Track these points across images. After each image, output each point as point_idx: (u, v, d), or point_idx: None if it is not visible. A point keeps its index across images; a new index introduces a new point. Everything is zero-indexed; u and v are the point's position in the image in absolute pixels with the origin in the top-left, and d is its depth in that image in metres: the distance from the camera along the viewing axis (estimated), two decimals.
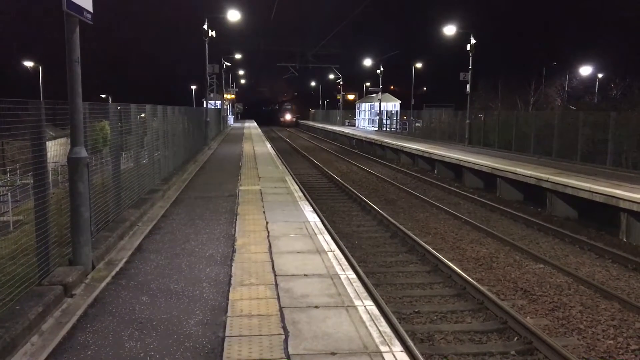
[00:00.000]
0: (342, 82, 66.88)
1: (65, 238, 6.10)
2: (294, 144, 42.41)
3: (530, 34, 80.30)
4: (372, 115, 57.04)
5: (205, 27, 28.86)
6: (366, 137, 38.11)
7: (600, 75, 45.23)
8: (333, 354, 4.05)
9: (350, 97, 71.56)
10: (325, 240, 7.50)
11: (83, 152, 6.01)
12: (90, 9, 6.20)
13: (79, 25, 5.96)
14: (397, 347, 4.22)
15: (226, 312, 4.89)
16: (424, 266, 9.93)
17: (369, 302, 5.15)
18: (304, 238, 7.60)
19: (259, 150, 23.37)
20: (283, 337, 4.33)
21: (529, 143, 22.89)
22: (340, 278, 5.83)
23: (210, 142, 28.13)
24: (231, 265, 6.27)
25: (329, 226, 11.76)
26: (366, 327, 4.55)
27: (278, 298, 5.21)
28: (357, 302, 5.12)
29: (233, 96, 66.24)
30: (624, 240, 12.06)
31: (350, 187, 18.27)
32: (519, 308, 7.90)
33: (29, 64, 46.86)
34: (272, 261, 6.44)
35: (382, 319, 4.76)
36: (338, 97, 67.97)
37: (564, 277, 9.35)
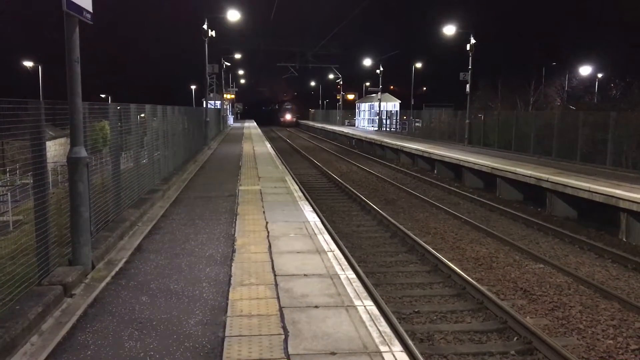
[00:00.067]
0: (342, 82, 66.90)
1: (65, 238, 6.10)
2: (293, 143, 42.42)
3: (530, 34, 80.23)
4: (372, 115, 57.03)
5: (205, 27, 28.85)
6: (366, 137, 38.11)
7: (600, 75, 45.22)
8: (333, 353, 4.05)
9: (350, 97, 71.54)
10: (325, 240, 7.50)
11: (83, 152, 6.01)
12: (90, 8, 6.20)
13: (78, 25, 5.96)
14: (397, 347, 4.22)
15: (226, 312, 4.89)
16: (423, 266, 9.94)
17: (368, 302, 5.15)
18: (303, 238, 7.60)
19: (258, 150, 23.37)
20: (283, 337, 4.33)
21: (529, 143, 22.89)
22: (340, 278, 5.83)
23: (210, 142, 28.13)
24: (231, 265, 6.27)
25: (328, 226, 11.76)
26: (366, 327, 4.55)
27: (278, 298, 5.21)
28: (357, 302, 5.12)
29: (233, 96, 66.23)
30: (624, 240, 12.07)
31: (350, 187, 18.27)
32: (519, 308, 7.91)
33: (28, 63, 46.89)
34: (272, 261, 6.44)
35: (381, 319, 4.76)
36: (338, 97, 67.97)
37: (564, 277, 9.35)
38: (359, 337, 4.35)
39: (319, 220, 8.96)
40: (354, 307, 5.00)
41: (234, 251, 6.87)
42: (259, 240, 7.42)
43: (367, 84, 61.88)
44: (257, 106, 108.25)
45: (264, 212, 9.43)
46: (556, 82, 43.62)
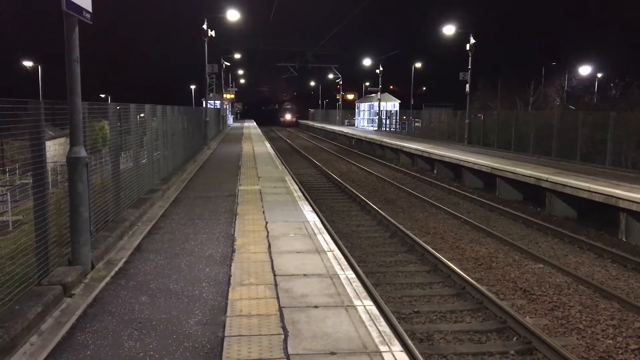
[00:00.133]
0: (341, 82, 66.88)
1: (64, 238, 6.10)
2: (293, 143, 42.41)
3: (530, 34, 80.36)
4: (372, 115, 57.03)
5: (205, 27, 28.85)
6: (365, 137, 38.11)
7: (599, 75, 45.21)
8: (332, 353, 4.05)
9: (350, 96, 71.54)
10: (325, 240, 7.50)
11: (82, 152, 6.01)
12: (90, 8, 6.19)
13: (78, 25, 5.95)
14: (397, 346, 4.22)
15: (225, 312, 4.89)
16: (423, 266, 9.94)
17: (368, 302, 5.15)
18: (303, 238, 7.60)
19: (258, 150, 23.37)
20: (282, 337, 4.33)
21: (529, 143, 22.89)
22: (339, 278, 5.83)
23: (210, 141, 28.13)
24: (230, 265, 6.27)
25: (328, 226, 11.76)
26: (366, 327, 4.55)
27: (277, 298, 5.21)
28: (356, 302, 5.12)
29: (232, 96, 66.18)
30: (624, 239, 12.07)
31: (349, 187, 18.27)
32: (519, 308, 7.91)
33: (28, 63, 46.87)
34: (272, 261, 6.44)
35: (381, 319, 4.76)
36: (338, 97, 67.96)
37: (564, 276, 9.35)
38: (359, 337, 4.35)
39: (318, 220, 8.96)
40: (354, 307, 5.00)
41: (233, 251, 6.87)
42: (258, 240, 7.42)
43: (367, 83, 61.89)
44: (256, 106, 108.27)
45: (263, 212, 9.43)
46: (556, 82, 43.63)
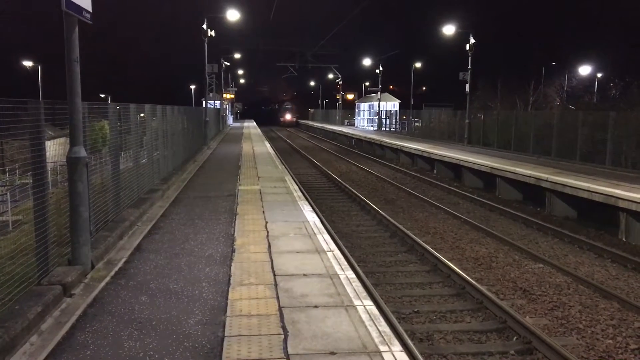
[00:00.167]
0: (341, 82, 66.86)
1: (64, 238, 6.10)
2: (293, 143, 42.41)
3: (530, 34, 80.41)
4: (372, 115, 57.02)
5: (205, 27, 28.85)
6: (365, 137, 38.11)
7: (599, 75, 45.21)
8: (332, 353, 4.05)
9: (350, 96, 71.54)
10: (325, 240, 7.50)
11: (82, 152, 6.01)
12: (90, 8, 6.19)
13: (78, 25, 5.95)
14: (397, 346, 4.22)
15: (225, 311, 4.89)
16: (423, 266, 9.94)
17: (368, 302, 5.15)
18: (303, 238, 7.60)
19: (258, 150, 23.37)
20: (282, 336, 4.33)
21: (528, 143, 22.90)
22: (339, 278, 5.83)
23: (210, 141, 28.13)
24: (230, 265, 6.27)
25: (328, 226, 11.76)
26: (365, 326, 4.55)
27: (277, 298, 5.21)
28: (356, 302, 5.12)
29: (232, 96, 66.17)
30: (623, 239, 12.07)
31: (349, 187, 18.27)
32: (518, 308, 7.91)
33: (28, 63, 46.86)
34: (272, 261, 6.44)
35: (381, 319, 4.76)
36: (337, 97, 67.95)
37: (563, 276, 9.36)
38: (359, 336, 4.35)
39: (318, 220, 8.96)
40: (354, 307, 5.00)
41: (233, 251, 6.87)
42: (258, 240, 7.42)
43: (367, 83, 61.85)
44: (256, 106, 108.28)
45: (263, 211, 9.43)
46: (556, 82, 43.62)
